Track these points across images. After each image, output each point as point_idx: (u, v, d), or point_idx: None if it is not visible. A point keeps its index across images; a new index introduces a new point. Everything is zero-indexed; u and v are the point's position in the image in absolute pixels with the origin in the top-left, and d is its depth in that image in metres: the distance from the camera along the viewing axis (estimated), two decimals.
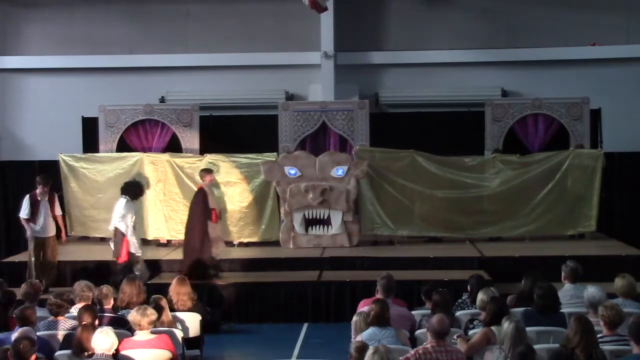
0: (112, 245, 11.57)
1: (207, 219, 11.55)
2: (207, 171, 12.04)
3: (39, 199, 11.69)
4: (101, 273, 11.84)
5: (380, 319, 7.20)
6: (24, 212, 11.70)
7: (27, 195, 11.76)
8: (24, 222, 11.76)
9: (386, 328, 7.16)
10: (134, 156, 13.96)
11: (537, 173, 13.39)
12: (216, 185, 12.67)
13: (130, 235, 11.38)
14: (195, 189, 13.40)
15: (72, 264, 12.46)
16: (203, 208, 11.56)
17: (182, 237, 13.58)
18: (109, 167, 14.01)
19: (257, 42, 16.34)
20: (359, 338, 7.18)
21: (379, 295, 8.24)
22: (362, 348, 6.28)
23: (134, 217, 11.50)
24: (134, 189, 11.77)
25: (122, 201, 11.53)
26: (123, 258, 11.40)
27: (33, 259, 11.66)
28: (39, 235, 11.73)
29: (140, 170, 13.70)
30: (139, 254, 11.52)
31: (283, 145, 14.39)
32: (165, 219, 13.67)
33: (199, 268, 11.42)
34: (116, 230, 11.46)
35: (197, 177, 13.43)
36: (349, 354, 6.50)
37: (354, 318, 7.84)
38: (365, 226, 13.44)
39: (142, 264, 11.63)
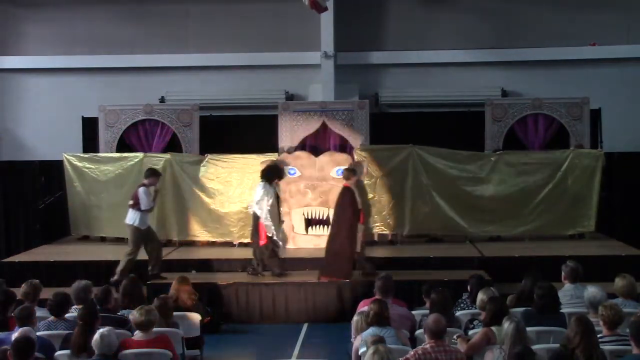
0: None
1: (355, 220, 11.36)
2: (352, 171, 11.77)
3: (151, 192, 11.64)
4: (101, 273, 11.87)
5: (380, 319, 7.21)
6: (149, 204, 11.53)
7: (143, 188, 11.53)
8: (134, 213, 11.52)
9: (386, 328, 7.16)
10: (135, 156, 13.98)
11: (537, 172, 13.39)
12: (360, 184, 12.28)
13: (265, 219, 11.43)
14: (198, 188, 13.50)
15: (72, 264, 12.45)
16: (352, 208, 11.35)
17: (183, 237, 13.72)
18: (111, 167, 14.04)
19: (257, 42, 16.33)
20: (359, 338, 7.19)
21: (377, 296, 8.23)
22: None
23: (270, 200, 11.46)
24: (270, 173, 11.77)
25: (260, 185, 11.62)
26: (263, 240, 11.53)
27: (136, 252, 11.57)
28: (142, 228, 11.62)
29: (140, 170, 13.69)
30: (274, 235, 11.50)
31: (283, 145, 14.38)
32: (165, 219, 13.65)
33: (344, 267, 11.30)
34: (254, 214, 11.60)
35: (197, 177, 13.52)
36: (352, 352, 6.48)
37: (354, 318, 7.85)
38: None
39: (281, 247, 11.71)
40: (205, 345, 9.15)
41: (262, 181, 11.69)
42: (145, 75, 16.33)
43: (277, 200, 13.20)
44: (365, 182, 13.37)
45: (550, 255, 11.85)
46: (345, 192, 11.51)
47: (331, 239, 11.60)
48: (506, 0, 16.39)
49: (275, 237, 11.52)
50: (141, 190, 11.52)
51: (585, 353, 6.18)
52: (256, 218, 11.58)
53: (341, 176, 13.15)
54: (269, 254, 11.62)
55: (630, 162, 15.54)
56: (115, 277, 11.21)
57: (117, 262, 11.93)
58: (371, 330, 7.15)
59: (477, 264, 11.92)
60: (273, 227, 11.47)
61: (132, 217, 11.53)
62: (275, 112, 14.74)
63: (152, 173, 11.81)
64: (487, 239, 13.57)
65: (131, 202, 11.59)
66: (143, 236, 11.60)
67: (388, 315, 7.30)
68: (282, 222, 11.94)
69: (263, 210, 11.45)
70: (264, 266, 11.74)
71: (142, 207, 11.45)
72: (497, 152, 13.94)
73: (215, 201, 13.54)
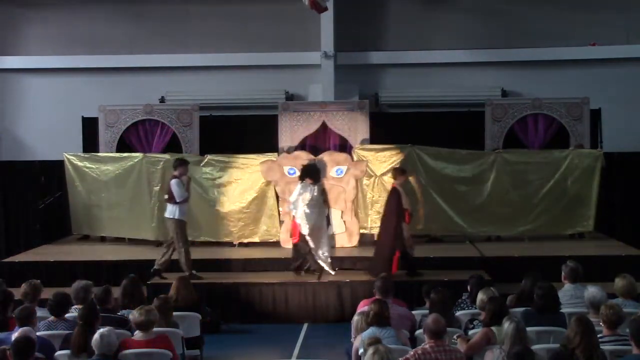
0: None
1: (401, 220, 11.32)
2: (400, 171, 11.76)
3: (184, 181, 11.58)
4: (101, 273, 11.87)
5: (380, 319, 7.21)
6: (183, 195, 11.45)
7: (175, 180, 11.47)
8: (172, 206, 11.46)
9: (386, 328, 7.17)
10: (135, 157, 13.98)
11: (536, 172, 13.39)
12: (408, 184, 12.33)
13: (299, 218, 11.46)
14: (198, 188, 13.48)
15: (72, 264, 12.45)
16: (397, 208, 11.33)
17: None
18: (111, 167, 14.05)
19: (257, 42, 16.33)
20: (359, 338, 7.19)
21: (377, 296, 8.23)
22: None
23: (307, 199, 11.47)
24: (308, 173, 11.80)
25: (299, 185, 11.69)
26: (295, 239, 11.59)
27: (187, 244, 11.54)
28: (184, 219, 11.59)
29: (140, 170, 13.72)
30: (307, 234, 11.49)
31: (283, 145, 14.38)
32: (164, 219, 13.63)
33: (379, 266, 11.19)
34: (291, 211, 11.68)
35: (196, 177, 13.51)
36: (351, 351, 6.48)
37: (355, 318, 7.85)
38: (363, 225, 13.44)
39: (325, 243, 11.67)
40: (205, 345, 9.15)
41: (299, 180, 11.78)
42: (145, 75, 16.33)
43: (277, 200, 13.24)
44: (365, 182, 13.41)
45: (550, 255, 11.85)
46: (392, 193, 11.54)
47: (377, 239, 11.73)
48: (506, 0, 16.39)
49: (305, 235, 11.50)
50: (173, 182, 11.49)
51: (585, 353, 6.18)
52: (290, 216, 11.66)
53: (341, 176, 13.21)
54: (300, 251, 11.65)
55: (630, 162, 15.54)
56: (192, 271, 11.39)
57: (117, 263, 11.99)
58: (371, 330, 7.15)
59: (477, 264, 11.91)
60: (307, 227, 11.47)
61: (171, 211, 11.50)
62: (275, 112, 14.73)
63: (180, 163, 11.73)
64: (487, 239, 13.57)
65: (166, 196, 11.62)
66: (185, 228, 11.60)
67: (388, 315, 7.30)
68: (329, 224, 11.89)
69: (298, 210, 11.48)
70: (307, 263, 11.74)
71: (177, 199, 11.41)
72: (496, 152, 13.93)
73: (215, 201, 13.53)
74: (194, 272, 11.44)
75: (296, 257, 11.82)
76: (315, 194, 11.59)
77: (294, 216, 11.68)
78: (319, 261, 11.53)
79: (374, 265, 11.43)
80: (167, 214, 11.58)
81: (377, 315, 7.22)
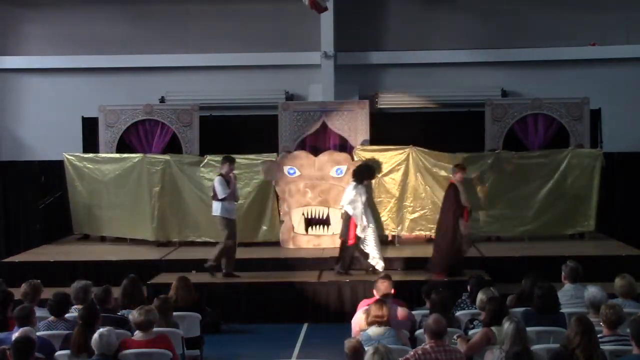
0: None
1: (458, 216, 11.26)
2: (460, 167, 11.64)
3: (228, 179, 11.60)
4: (101, 273, 11.86)
5: (379, 320, 7.21)
6: (225, 192, 11.46)
7: (218, 178, 11.53)
8: (216, 203, 11.52)
9: (386, 328, 7.16)
10: (135, 157, 13.98)
11: (536, 172, 13.38)
12: (468, 182, 12.21)
13: (358, 219, 11.43)
14: (198, 188, 13.49)
15: (72, 264, 12.45)
16: (455, 205, 11.25)
17: (183, 237, 13.72)
18: (111, 167, 14.06)
19: (257, 42, 16.33)
20: (358, 338, 7.18)
21: (377, 296, 8.23)
22: (356, 348, 6.29)
23: (363, 199, 11.47)
24: (361, 173, 11.81)
25: (351, 185, 11.67)
26: (351, 240, 11.52)
27: (231, 242, 11.57)
28: (231, 217, 11.64)
29: (140, 171, 13.72)
30: (363, 234, 11.52)
31: (283, 145, 14.39)
32: (165, 219, 13.65)
33: (451, 265, 11.23)
34: (345, 213, 11.61)
35: (196, 177, 13.53)
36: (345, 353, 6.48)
37: (355, 318, 7.85)
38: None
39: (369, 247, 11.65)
40: (205, 345, 9.15)
41: (353, 181, 11.74)
42: (145, 75, 16.33)
43: (277, 200, 13.26)
44: (365, 182, 13.39)
45: (550, 255, 11.85)
46: (449, 189, 11.48)
47: (436, 236, 11.69)
48: (506, 0, 16.40)
49: (361, 236, 11.50)
50: (216, 180, 11.58)
51: (585, 353, 6.18)
52: (347, 218, 11.59)
53: (340, 176, 13.21)
54: (355, 253, 11.61)
55: (630, 162, 15.54)
56: (224, 271, 11.55)
57: (117, 263, 11.99)
58: (371, 330, 7.15)
59: (477, 264, 11.91)
60: (365, 227, 11.49)
61: (215, 208, 11.58)
62: (275, 112, 14.74)
63: (224, 160, 11.77)
64: (487, 239, 13.56)
65: (212, 194, 11.70)
66: (233, 225, 11.65)
67: (388, 316, 7.30)
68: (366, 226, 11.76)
69: (357, 210, 11.46)
70: (350, 265, 11.71)
71: (219, 197, 11.47)
72: (496, 152, 13.91)
73: None
74: (233, 273, 11.57)
75: (347, 257, 11.69)
76: (368, 194, 11.68)
77: (352, 217, 11.52)
78: (371, 259, 11.53)
79: (433, 265, 11.42)
80: (213, 212, 11.68)
81: (377, 315, 7.22)
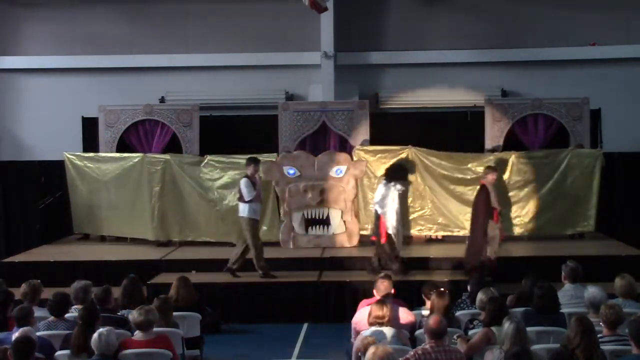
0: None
1: (488, 218, 11.28)
2: (491, 169, 11.70)
3: (254, 180, 11.59)
4: (101, 273, 11.87)
5: (380, 320, 7.21)
6: (251, 194, 11.45)
7: (244, 179, 11.51)
8: (243, 205, 11.50)
9: (386, 328, 7.16)
10: (135, 156, 13.98)
11: (535, 172, 13.37)
12: (498, 183, 12.22)
13: (388, 217, 11.42)
14: (198, 188, 13.49)
15: (72, 264, 12.45)
16: (485, 206, 11.29)
17: (183, 237, 13.72)
18: (111, 167, 14.06)
19: (257, 42, 16.34)
20: (359, 338, 7.18)
21: (377, 296, 8.23)
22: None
23: (396, 198, 11.46)
24: (394, 172, 11.81)
25: (381, 184, 11.66)
26: (383, 238, 11.51)
27: (257, 241, 11.54)
28: (256, 218, 11.64)
29: (140, 170, 13.72)
30: (394, 234, 11.51)
31: (283, 145, 14.38)
32: (165, 219, 13.65)
33: (480, 266, 11.19)
34: (375, 211, 11.63)
35: (196, 177, 13.53)
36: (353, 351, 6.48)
37: (354, 318, 7.85)
38: (363, 226, 13.44)
39: (399, 243, 11.68)
40: (205, 345, 9.15)
41: (384, 180, 11.72)
42: (145, 75, 16.34)
43: (277, 200, 13.25)
44: (365, 182, 13.41)
45: (550, 255, 11.85)
46: (480, 191, 11.49)
47: (470, 237, 11.67)
48: (506, 1, 16.40)
49: (391, 233, 11.50)
50: (242, 181, 11.55)
51: (585, 353, 6.18)
52: (377, 216, 11.60)
53: (340, 176, 13.21)
54: (389, 252, 11.60)
55: (630, 162, 15.54)
56: (267, 272, 11.54)
57: (117, 263, 11.97)
58: (371, 330, 7.15)
59: (476, 264, 11.89)
60: (394, 224, 11.48)
61: (242, 209, 11.55)
62: (275, 112, 14.74)
63: (249, 161, 11.73)
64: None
65: (238, 195, 11.68)
66: (256, 227, 11.66)
67: (389, 316, 7.29)
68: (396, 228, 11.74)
69: (388, 208, 11.45)
70: (384, 264, 11.68)
71: (246, 199, 11.45)
72: (495, 152, 13.92)
73: (215, 201, 13.52)
74: (270, 272, 11.56)
75: (379, 256, 11.69)
76: (401, 193, 11.64)
77: (381, 216, 11.51)
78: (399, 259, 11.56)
79: (466, 263, 11.44)
80: (239, 213, 11.64)
81: (378, 316, 7.22)
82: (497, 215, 11.41)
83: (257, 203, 11.63)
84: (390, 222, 11.44)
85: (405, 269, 11.58)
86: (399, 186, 11.59)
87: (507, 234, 13.29)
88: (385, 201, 11.48)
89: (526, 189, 13.42)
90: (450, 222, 13.44)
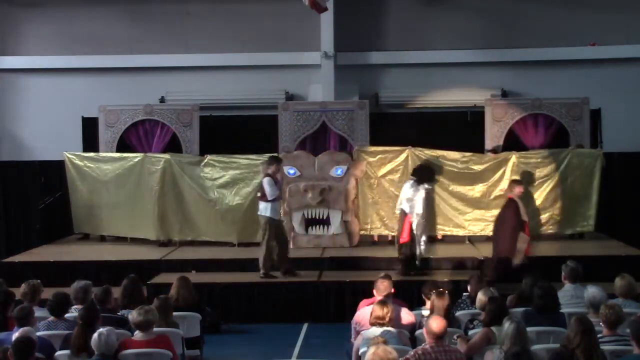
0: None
1: (518, 231, 11.16)
2: (517, 182, 11.68)
3: (276, 179, 11.51)
4: (101, 273, 11.87)
5: (380, 320, 7.21)
6: (274, 193, 11.36)
7: (267, 178, 11.39)
8: (264, 204, 11.42)
9: (386, 328, 7.16)
10: (135, 156, 13.99)
11: (535, 172, 13.37)
12: (525, 195, 12.05)
13: (414, 216, 11.40)
14: (198, 188, 13.48)
15: (72, 264, 12.45)
16: (516, 220, 11.16)
17: (183, 236, 13.72)
18: (111, 166, 14.07)
19: (257, 42, 16.34)
20: (359, 338, 7.19)
21: (377, 296, 8.23)
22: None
23: (422, 197, 11.47)
24: (422, 173, 11.81)
25: (408, 184, 11.65)
26: (404, 238, 11.48)
27: (271, 242, 11.48)
28: (276, 217, 11.57)
29: (141, 170, 13.72)
30: (419, 234, 11.49)
31: (283, 145, 14.38)
32: (165, 219, 13.65)
33: (506, 276, 11.04)
34: (402, 211, 11.57)
35: (196, 177, 13.52)
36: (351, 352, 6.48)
37: (355, 318, 7.85)
38: (363, 226, 13.44)
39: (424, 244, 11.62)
40: (205, 345, 9.15)
41: (411, 179, 11.71)
42: (145, 75, 16.33)
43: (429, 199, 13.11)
44: (365, 182, 13.40)
45: (550, 255, 11.85)
46: (509, 204, 11.35)
47: (494, 248, 11.55)
48: (506, 1, 16.40)
49: (416, 233, 11.47)
50: (265, 180, 11.44)
51: (585, 353, 6.19)
52: (402, 216, 11.56)
53: (340, 176, 13.21)
54: (407, 253, 11.55)
55: (630, 162, 15.53)
56: (267, 272, 11.50)
57: (117, 263, 11.96)
58: (371, 330, 7.15)
59: (477, 264, 11.91)
60: (420, 224, 11.47)
61: (263, 208, 11.47)
62: (275, 112, 14.74)
63: (271, 160, 11.66)
64: (487, 239, 13.54)
65: (259, 194, 11.59)
66: (277, 226, 11.60)
67: (390, 317, 7.29)
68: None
69: (416, 208, 11.42)
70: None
71: (269, 198, 11.37)
72: (495, 152, 13.92)
73: (215, 201, 13.52)
74: (270, 272, 11.53)
75: (405, 256, 11.64)
76: (426, 193, 11.64)
77: (407, 215, 11.48)
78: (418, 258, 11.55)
79: (484, 274, 11.23)
80: (259, 212, 11.59)
81: (378, 316, 7.22)
82: (528, 228, 11.31)
83: (278, 202, 11.59)
84: (417, 222, 11.42)
85: (426, 267, 11.64)
86: (427, 186, 11.62)
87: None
88: (414, 201, 11.45)
89: (526, 189, 13.38)
90: (450, 222, 13.43)
